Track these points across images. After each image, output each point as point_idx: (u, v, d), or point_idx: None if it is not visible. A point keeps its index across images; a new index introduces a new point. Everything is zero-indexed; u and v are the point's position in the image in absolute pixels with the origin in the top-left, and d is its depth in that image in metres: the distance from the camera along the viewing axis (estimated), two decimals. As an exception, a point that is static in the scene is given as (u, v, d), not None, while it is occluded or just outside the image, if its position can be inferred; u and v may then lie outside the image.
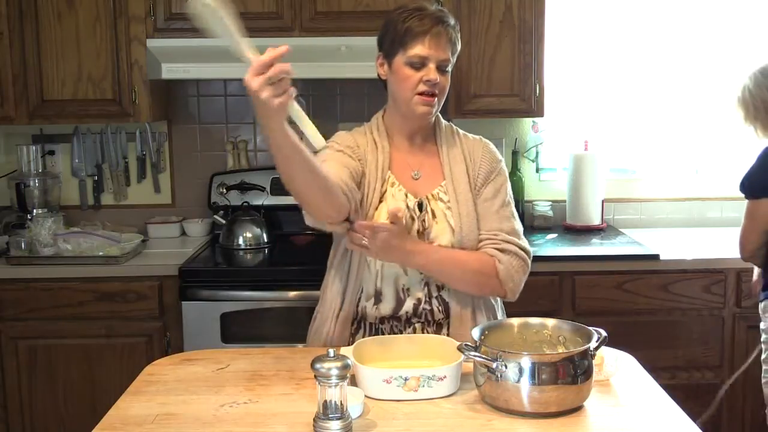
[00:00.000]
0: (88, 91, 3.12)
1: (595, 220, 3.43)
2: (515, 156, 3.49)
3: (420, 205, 1.94)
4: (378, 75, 1.98)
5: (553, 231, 3.42)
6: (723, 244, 3.05)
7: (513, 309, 2.05)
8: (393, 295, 1.92)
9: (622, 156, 3.62)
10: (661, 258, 2.96)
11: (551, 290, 2.93)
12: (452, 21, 1.91)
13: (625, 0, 3.50)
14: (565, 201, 3.49)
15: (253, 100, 1.49)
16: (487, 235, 1.93)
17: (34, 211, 3.26)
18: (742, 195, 2.58)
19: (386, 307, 1.93)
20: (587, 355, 1.55)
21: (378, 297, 1.93)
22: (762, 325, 2.57)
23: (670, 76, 3.54)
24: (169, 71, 3.02)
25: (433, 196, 1.95)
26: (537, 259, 2.21)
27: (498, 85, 3.17)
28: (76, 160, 3.51)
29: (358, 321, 1.97)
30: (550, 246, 3.13)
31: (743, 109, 2.59)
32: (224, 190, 3.39)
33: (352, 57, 3.01)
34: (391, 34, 1.90)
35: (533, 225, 3.46)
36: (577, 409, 1.56)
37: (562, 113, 3.55)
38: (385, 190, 1.93)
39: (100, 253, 3.00)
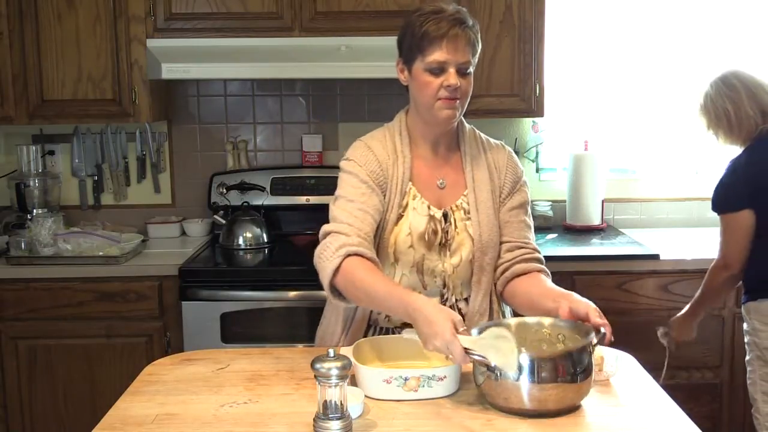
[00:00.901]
0: (88, 91, 3.12)
1: (595, 220, 3.43)
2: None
3: (445, 216, 1.92)
4: (399, 80, 1.93)
5: (553, 231, 3.42)
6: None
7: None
8: None
9: (622, 156, 3.62)
10: (661, 258, 2.97)
11: (551, 290, 2.92)
12: (470, 21, 1.86)
13: (625, 0, 3.51)
14: (565, 201, 3.49)
15: (447, 341, 1.52)
16: (519, 243, 1.96)
17: (34, 211, 3.26)
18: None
19: (398, 319, 1.89)
20: (586, 352, 1.55)
21: None
22: (745, 326, 2.58)
23: (670, 76, 3.54)
24: (169, 71, 3.01)
25: (456, 206, 1.93)
26: (537, 259, 2.21)
27: (498, 85, 3.17)
28: (76, 160, 3.51)
29: (368, 325, 1.95)
30: (550, 246, 3.13)
31: (706, 117, 2.61)
32: (224, 190, 3.38)
33: (352, 57, 3.01)
34: (408, 38, 1.85)
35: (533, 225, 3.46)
36: (576, 408, 1.56)
37: (562, 113, 3.55)
38: (407, 204, 1.91)
39: (100, 253, 2.99)
